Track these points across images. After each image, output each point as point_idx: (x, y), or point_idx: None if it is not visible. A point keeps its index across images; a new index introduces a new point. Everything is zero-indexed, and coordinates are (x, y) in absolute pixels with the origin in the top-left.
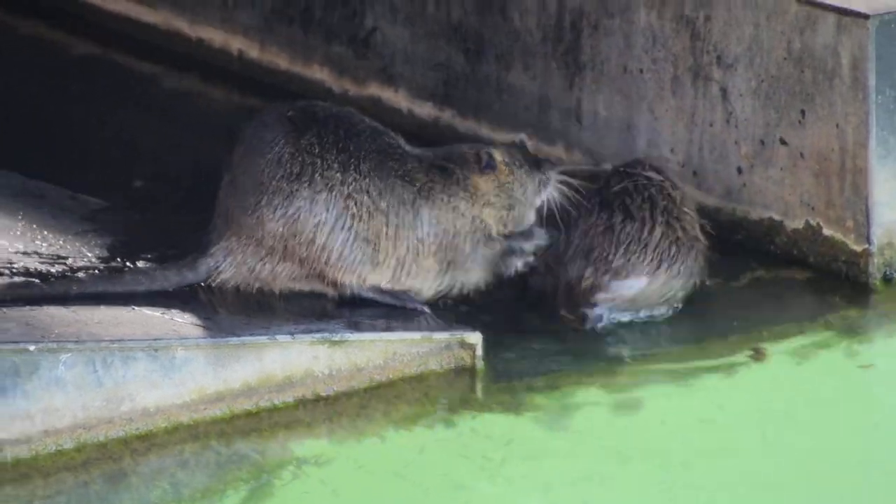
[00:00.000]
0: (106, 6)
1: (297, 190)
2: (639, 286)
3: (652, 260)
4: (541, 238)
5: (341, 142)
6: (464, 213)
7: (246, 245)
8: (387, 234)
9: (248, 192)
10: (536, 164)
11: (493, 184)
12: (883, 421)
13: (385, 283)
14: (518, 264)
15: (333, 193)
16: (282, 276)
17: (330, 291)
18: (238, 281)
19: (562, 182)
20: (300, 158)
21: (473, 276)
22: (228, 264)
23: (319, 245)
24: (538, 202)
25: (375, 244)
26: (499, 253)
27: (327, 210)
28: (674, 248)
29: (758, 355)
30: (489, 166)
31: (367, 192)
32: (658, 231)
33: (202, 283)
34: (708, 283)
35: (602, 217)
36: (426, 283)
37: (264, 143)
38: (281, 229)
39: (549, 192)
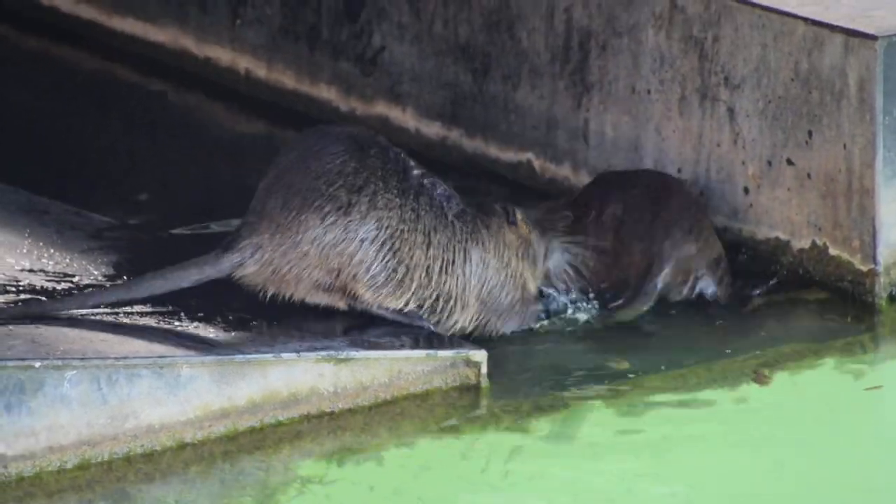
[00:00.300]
0: (112, 24)
1: (355, 202)
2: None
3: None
4: (556, 301)
5: (401, 172)
6: (508, 262)
7: (278, 245)
8: (435, 268)
9: (296, 194)
10: (541, 230)
11: (517, 238)
12: (891, 443)
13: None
14: (537, 320)
15: (390, 215)
16: (304, 283)
17: (342, 305)
18: (258, 281)
19: (567, 249)
20: (364, 175)
21: (507, 325)
22: (254, 262)
23: (358, 260)
24: (546, 265)
25: (413, 274)
26: (534, 308)
27: (378, 229)
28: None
29: (760, 378)
30: (512, 222)
31: (423, 222)
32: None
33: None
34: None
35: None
36: (461, 322)
37: (327, 151)
38: (325, 236)
39: (556, 257)
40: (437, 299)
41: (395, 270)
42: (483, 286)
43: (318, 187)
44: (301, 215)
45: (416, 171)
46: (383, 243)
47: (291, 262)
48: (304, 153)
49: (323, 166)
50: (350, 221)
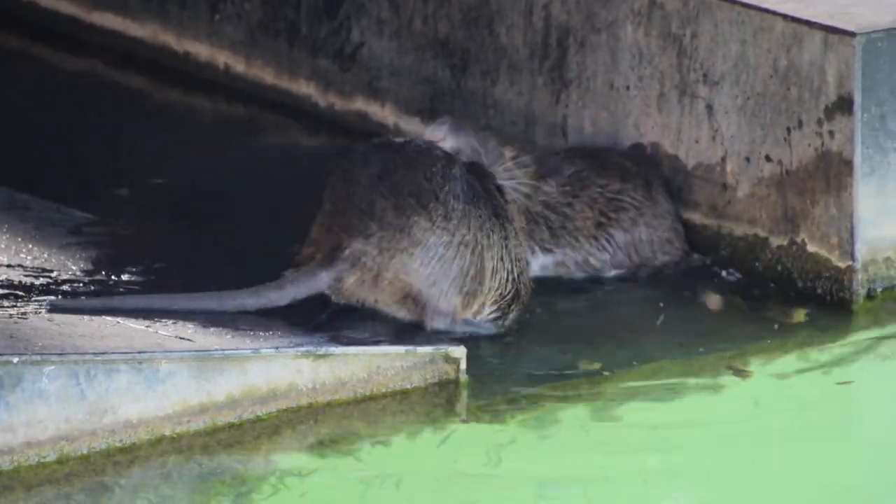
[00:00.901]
0: (92, 20)
1: (453, 210)
2: None
3: None
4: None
5: (480, 178)
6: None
7: (385, 251)
8: (507, 269)
9: (400, 201)
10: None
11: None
12: (861, 437)
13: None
14: None
15: (477, 222)
16: (391, 292)
17: (410, 315)
18: (355, 292)
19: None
20: (456, 184)
21: None
22: (356, 271)
23: (453, 268)
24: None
25: (493, 278)
26: None
27: (470, 237)
28: None
29: (739, 372)
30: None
31: (497, 226)
32: None
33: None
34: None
35: None
36: (516, 310)
37: (420, 161)
38: (431, 242)
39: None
40: (503, 297)
41: (478, 279)
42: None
43: (422, 193)
44: (410, 221)
45: (488, 176)
46: (473, 249)
47: (394, 269)
48: (388, 164)
49: (419, 174)
50: (447, 229)
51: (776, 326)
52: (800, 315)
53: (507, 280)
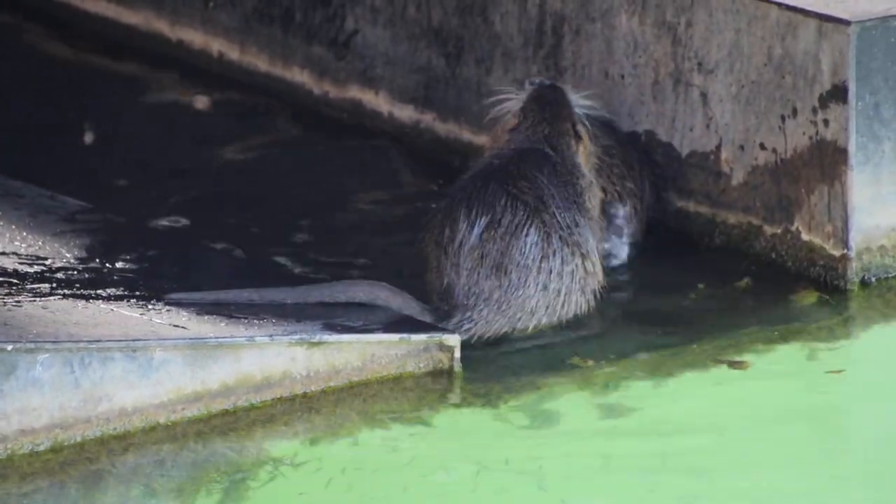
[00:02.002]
0: (84, 6)
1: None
2: None
3: None
4: None
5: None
6: None
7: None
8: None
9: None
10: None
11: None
12: (851, 426)
13: None
14: None
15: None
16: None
17: None
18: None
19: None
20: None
21: None
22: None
23: None
24: None
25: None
26: None
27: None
28: None
29: (735, 364)
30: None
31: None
32: None
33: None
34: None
35: None
36: None
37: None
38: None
39: None
40: None
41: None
42: None
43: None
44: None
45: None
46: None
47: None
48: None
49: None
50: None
51: (770, 315)
52: (805, 297)
53: None
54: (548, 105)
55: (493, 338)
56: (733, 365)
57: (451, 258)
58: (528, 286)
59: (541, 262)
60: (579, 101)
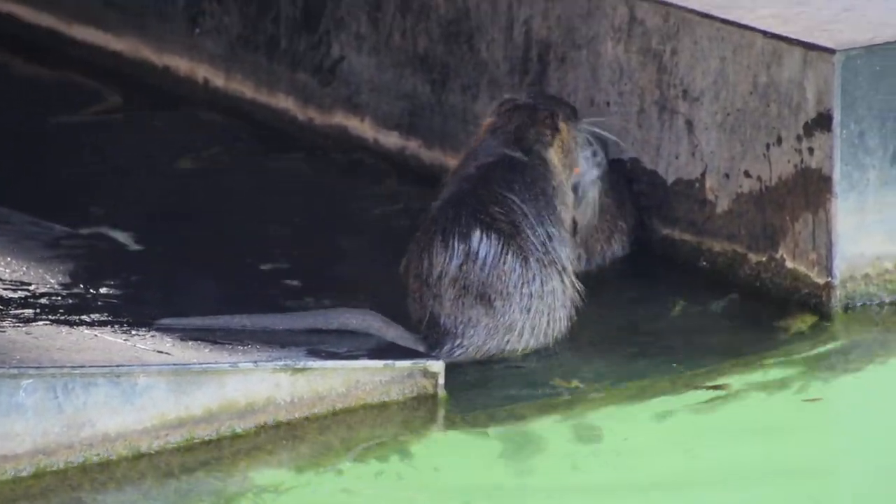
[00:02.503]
0: (71, 33)
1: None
2: None
3: None
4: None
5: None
6: None
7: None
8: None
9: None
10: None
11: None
12: (831, 453)
13: None
14: None
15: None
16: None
17: None
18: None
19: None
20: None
21: None
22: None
23: None
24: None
25: None
26: None
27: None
28: None
29: (715, 389)
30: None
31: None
32: None
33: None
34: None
35: None
36: None
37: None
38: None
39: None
40: None
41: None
42: None
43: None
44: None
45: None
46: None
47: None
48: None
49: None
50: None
51: (754, 343)
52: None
53: None
54: (535, 97)
55: (483, 359)
56: (713, 390)
57: (433, 289)
58: (513, 311)
59: (521, 287)
60: (582, 120)
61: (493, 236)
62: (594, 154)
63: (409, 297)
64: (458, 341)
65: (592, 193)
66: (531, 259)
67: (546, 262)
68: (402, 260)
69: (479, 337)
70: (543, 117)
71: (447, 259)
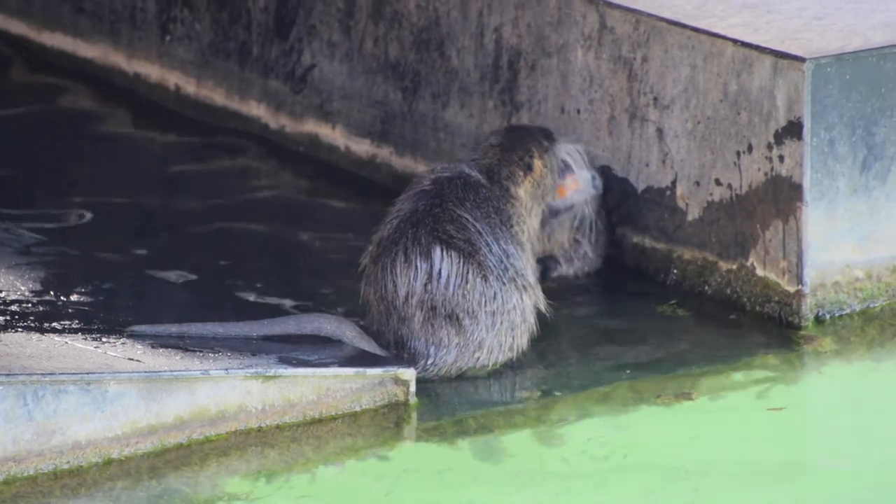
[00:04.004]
0: (42, 40)
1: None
2: None
3: None
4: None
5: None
6: None
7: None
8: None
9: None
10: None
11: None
12: (797, 463)
13: None
14: None
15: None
16: None
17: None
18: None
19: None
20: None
21: None
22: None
23: None
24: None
25: None
26: None
27: None
28: None
29: (682, 397)
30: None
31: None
32: None
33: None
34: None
35: None
36: None
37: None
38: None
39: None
40: None
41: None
42: None
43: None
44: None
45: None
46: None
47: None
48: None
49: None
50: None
51: (724, 351)
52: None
53: None
54: (512, 134)
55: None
56: (681, 397)
57: (401, 311)
58: (481, 328)
59: (485, 305)
60: (567, 148)
61: (452, 255)
62: (593, 178)
63: (370, 318)
64: (430, 360)
65: (589, 212)
66: (490, 277)
67: (506, 280)
68: (362, 279)
69: (450, 356)
70: (518, 158)
71: (411, 280)
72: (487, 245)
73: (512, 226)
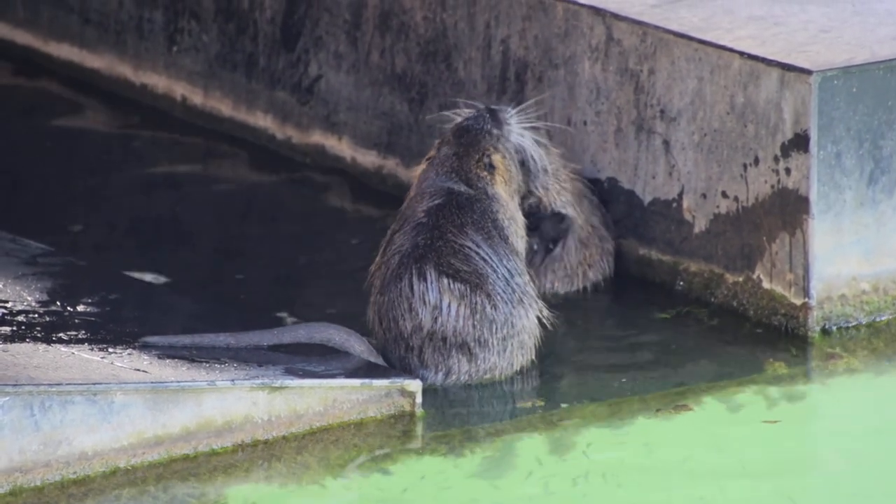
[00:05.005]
0: (49, 50)
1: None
2: None
3: None
4: None
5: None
6: None
7: None
8: None
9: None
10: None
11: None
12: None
13: None
14: None
15: None
16: None
17: None
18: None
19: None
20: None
21: None
22: None
23: None
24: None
25: None
26: None
27: None
28: None
29: (679, 409)
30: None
31: None
32: None
33: None
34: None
35: None
36: None
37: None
38: None
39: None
40: None
41: None
42: None
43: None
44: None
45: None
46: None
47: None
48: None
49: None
50: None
51: (730, 364)
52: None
53: None
54: (463, 135)
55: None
56: (682, 409)
57: (409, 341)
58: (492, 354)
59: (496, 331)
60: (522, 129)
61: (459, 287)
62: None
63: (381, 347)
64: (439, 377)
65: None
66: (499, 303)
67: (514, 303)
68: (368, 312)
69: (461, 379)
70: (476, 161)
71: (420, 315)
72: (494, 270)
73: (509, 236)
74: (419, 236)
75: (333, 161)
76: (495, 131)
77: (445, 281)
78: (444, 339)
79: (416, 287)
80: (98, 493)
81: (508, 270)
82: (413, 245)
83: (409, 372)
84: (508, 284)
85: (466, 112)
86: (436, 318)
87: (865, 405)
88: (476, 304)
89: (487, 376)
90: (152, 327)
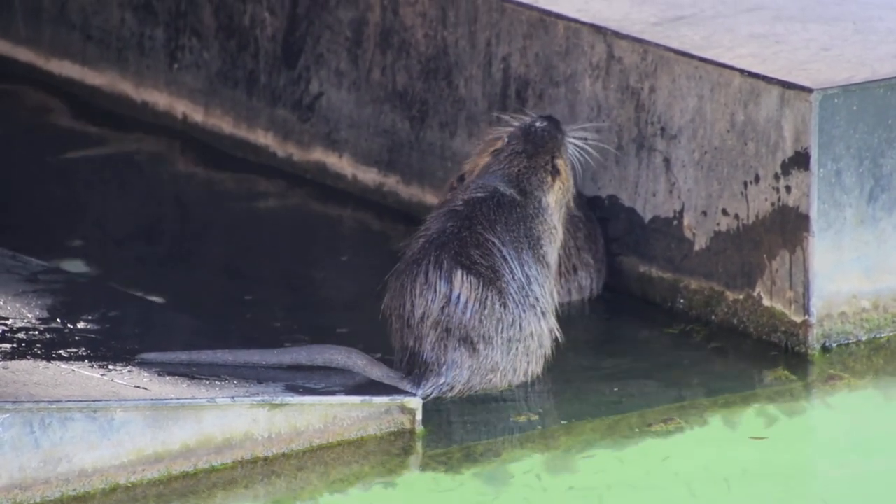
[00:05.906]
0: (50, 67)
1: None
2: None
3: None
4: None
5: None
6: None
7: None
8: None
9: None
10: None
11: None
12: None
13: None
14: None
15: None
16: None
17: None
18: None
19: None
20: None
21: None
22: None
23: None
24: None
25: None
26: None
27: None
28: None
29: (670, 423)
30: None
31: None
32: None
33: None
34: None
35: None
36: None
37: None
38: None
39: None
40: None
41: None
42: None
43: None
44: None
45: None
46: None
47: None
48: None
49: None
50: None
51: (730, 382)
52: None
53: None
54: (532, 138)
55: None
56: (668, 423)
57: (415, 330)
58: (495, 353)
59: (502, 331)
60: (574, 137)
61: (472, 280)
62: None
63: (391, 331)
64: (441, 380)
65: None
66: (510, 304)
67: (526, 307)
68: (384, 295)
69: (462, 376)
70: (544, 163)
71: (429, 302)
72: (511, 271)
73: (542, 246)
74: (449, 222)
75: (334, 178)
76: (560, 136)
77: (460, 272)
78: (449, 330)
79: (430, 274)
80: None
81: (527, 276)
82: (440, 230)
83: (414, 361)
84: (523, 289)
85: (517, 119)
86: (443, 308)
87: (865, 423)
88: (486, 298)
89: (491, 377)
90: (152, 345)
